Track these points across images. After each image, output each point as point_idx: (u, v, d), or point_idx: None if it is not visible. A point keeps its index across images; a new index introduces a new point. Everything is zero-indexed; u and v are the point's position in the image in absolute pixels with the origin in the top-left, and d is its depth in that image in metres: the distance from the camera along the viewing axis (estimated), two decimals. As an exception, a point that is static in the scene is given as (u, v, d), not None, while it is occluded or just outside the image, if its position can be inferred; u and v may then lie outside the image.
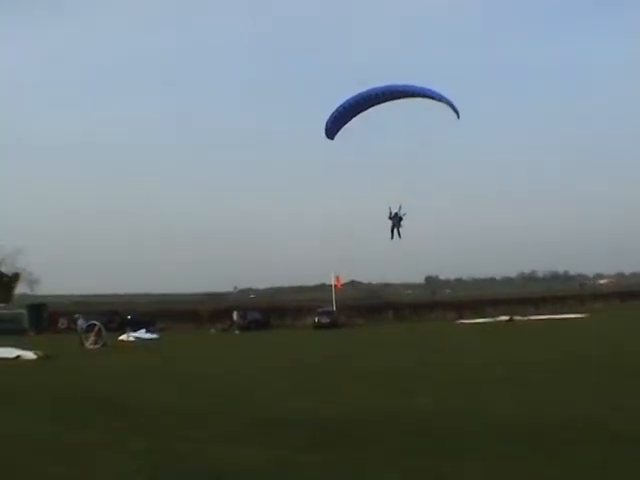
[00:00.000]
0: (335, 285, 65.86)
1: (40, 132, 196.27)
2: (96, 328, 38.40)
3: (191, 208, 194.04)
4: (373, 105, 18.84)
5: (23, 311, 63.47)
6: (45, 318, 65.65)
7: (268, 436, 11.46)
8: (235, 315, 58.08)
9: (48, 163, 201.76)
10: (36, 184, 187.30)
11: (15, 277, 75.93)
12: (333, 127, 19.21)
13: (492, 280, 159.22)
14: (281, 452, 10.07)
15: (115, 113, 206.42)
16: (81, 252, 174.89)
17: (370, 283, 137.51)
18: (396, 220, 20.69)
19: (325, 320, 58.57)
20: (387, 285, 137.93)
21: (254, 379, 21.04)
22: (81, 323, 40.15)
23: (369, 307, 71.26)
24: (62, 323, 63.32)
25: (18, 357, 30.37)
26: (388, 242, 19.89)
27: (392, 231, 20.84)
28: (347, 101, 19.01)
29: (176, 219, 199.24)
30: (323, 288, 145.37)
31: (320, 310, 61.15)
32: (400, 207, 22.15)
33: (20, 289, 77.99)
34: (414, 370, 21.76)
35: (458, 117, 18.95)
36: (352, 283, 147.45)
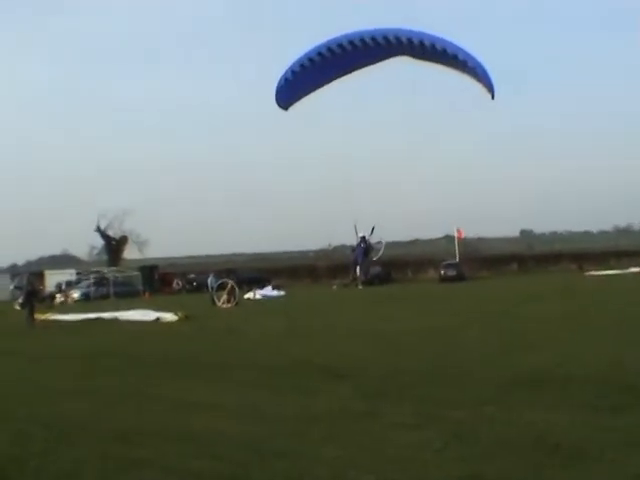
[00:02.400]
0: (457, 237, 61.64)
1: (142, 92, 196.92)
2: (229, 286, 35.47)
3: (286, 161, 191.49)
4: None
5: (137, 273, 61.91)
6: (157, 279, 64.01)
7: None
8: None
9: (152, 123, 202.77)
10: (149, 145, 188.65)
11: (123, 240, 74.45)
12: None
13: (587, 233, 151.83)
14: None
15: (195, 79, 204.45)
16: (185, 213, 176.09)
17: (465, 237, 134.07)
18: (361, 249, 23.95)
19: (451, 273, 55.27)
20: (481, 239, 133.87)
21: (459, 333, 17.83)
22: (211, 281, 37.46)
23: (492, 259, 66.45)
24: (176, 283, 61.55)
25: (158, 319, 27.49)
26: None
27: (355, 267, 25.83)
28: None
29: (270, 176, 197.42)
30: (418, 242, 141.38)
31: (445, 263, 57.88)
32: (372, 230, 23.48)
33: (128, 252, 76.47)
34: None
35: (493, 97, 14.17)
36: (446, 237, 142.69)
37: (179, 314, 27.84)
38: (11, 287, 40.62)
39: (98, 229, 74.20)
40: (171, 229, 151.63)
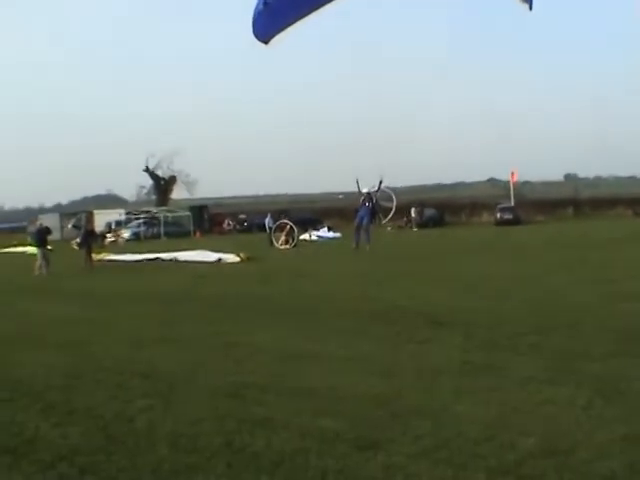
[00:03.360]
0: (512, 180, 59.76)
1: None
2: (287, 227, 34.42)
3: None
4: None
5: (188, 213, 61.33)
6: (206, 220, 63.43)
7: None
8: (413, 211, 53.15)
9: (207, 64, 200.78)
10: (191, 84, 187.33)
11: (172, 180, 73.80)
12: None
13: (633, 178, 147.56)
14: None
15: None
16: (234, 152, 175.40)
17: (508, 181, 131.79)
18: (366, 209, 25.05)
19: (507, 216, 53.73)
20: (526, 183, 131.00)
21: (546, 279, 16.37)
22: (269, 222, 36.38)
23: (546, 203, 64.25)
24: (227, 224, 60.89)
25: (219, 260, 26.62)
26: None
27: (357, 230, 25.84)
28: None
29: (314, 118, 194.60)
30: (461, 185, 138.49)
31: (500, 206, 56.18)
32: (380, 184, 26.14)
33: (177, 192, 75.88)
34: None
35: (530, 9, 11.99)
36: (491, 180, 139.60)
37: (241, 255, 26.97)
38: (69, 226, 40.25)
39: (147, 169, 73.64)
40: (218, 169, 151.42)
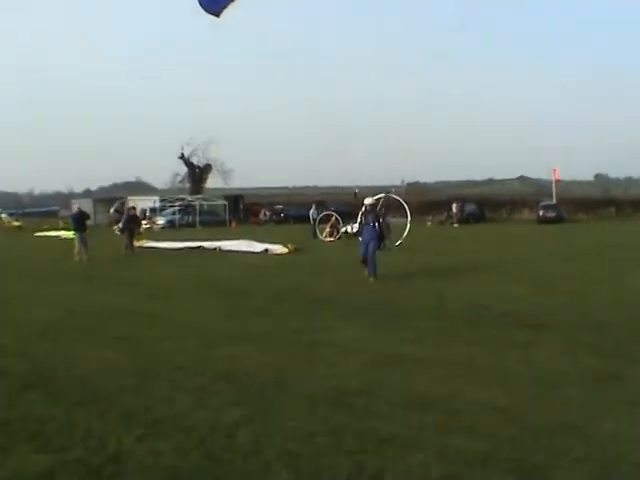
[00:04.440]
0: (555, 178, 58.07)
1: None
2: (332, 219, 33.25)
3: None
4: None
5: (224, 202, 60.41)
6: (242, 209, 62.52)
7: None
8: (454, 207, 51.76)
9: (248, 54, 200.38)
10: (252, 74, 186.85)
11: (207, 168, 72.93)
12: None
13: None
14: None
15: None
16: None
17: (539, 179, 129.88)
18: (372, 231, 16.82)
19: (551, 214, 52.11)
20: (556, 181, 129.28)
21: (618, 280, 15.06)
22: (313, 213, 35.25)
23: (588, 202, 62.39)
24: (264, 214, 59.92)
25: (266, 251, 25.57)
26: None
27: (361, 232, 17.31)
28: None
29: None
30: (491, 182, 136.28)
31: (543, 204, 54.78)
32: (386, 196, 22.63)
33: (211, 181, 75.05)
34: None
35: None
36: (521, 178, 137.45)
37: (289, 246, 25.87)
38: (111, 210, 39.58)
39: (182, 156, 72.73)
40: (251, 160, 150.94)
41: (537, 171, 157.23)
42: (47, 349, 9.05)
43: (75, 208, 26.76)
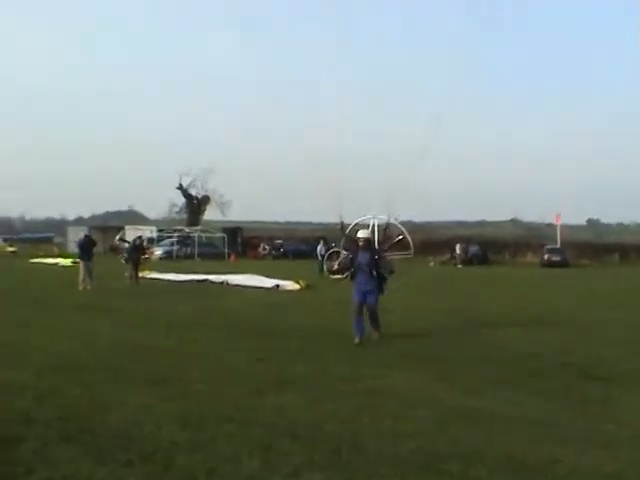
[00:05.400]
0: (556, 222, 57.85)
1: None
2: (341, 256, 32.20)
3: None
4: None
5: (223, 235, 59.55)
6: (239, 243, 61.67)
7: None
8: (458, 248, 51.13)
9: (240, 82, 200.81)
10: (226, 104, 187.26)
11: (205, 199, 72.19)
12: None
13: None
14: None
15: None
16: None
17: (531, 222, 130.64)
18: (368, 276, 12.54)
19: (556, 258, 51.60)
20: (549, 225, 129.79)
21: None
22: (320, 249, 34.36)
23: (591, 247, 62.06)
24: (263, 248, 59.04)
25: (277, 287, 24.64)
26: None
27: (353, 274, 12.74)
28: None
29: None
30: (483, 224, 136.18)
31: (548, 247, 54.49)
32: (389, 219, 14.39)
33: (210, 213, 74.25)
34: None
35: None
36: (513, 220, 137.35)
37: (300, 282, 24.91)
38: (116, 239, 38.71)
39: (180, 187, 72.01)
40: (251, 193, 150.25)
41: (529, 214, 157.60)
42: (74, 391, 8.01)
43: (81, 235, 25.68)
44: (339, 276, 23.73)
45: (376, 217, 14.40)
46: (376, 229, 14.20)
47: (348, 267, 12.66)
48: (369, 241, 12.65)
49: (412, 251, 15.99)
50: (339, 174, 13.52)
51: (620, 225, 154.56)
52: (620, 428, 6.95)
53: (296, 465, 5.49)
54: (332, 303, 19.44)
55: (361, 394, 8.21)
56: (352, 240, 13.15)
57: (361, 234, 12.68)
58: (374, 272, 12.23)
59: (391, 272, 12.61)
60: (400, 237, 14.16)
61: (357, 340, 11.93)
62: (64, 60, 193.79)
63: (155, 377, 8.87)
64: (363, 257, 12.30)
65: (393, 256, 13.88)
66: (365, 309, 12.37)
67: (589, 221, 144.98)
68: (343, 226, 13.71)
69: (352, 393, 8.27)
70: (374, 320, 12.46)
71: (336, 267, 30.81)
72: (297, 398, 7.95)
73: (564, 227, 79.56)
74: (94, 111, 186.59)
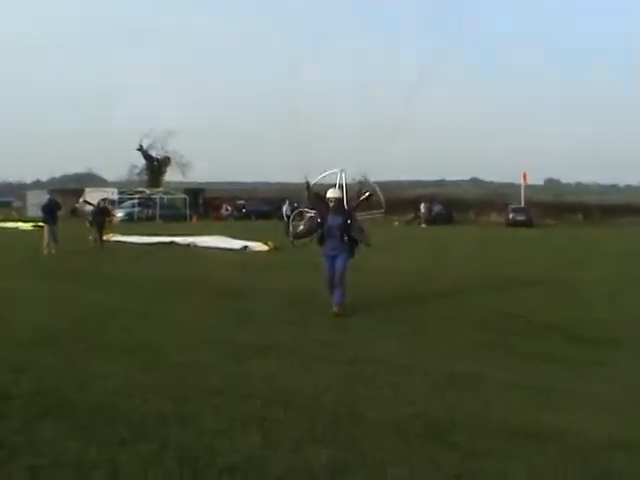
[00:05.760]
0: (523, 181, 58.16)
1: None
2: (307, 216, 31.83)
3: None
4: None
5: (184, 196, 58.64)
6: (201, 204, 60.83)
7: None
8: (423, 207, 51.05)
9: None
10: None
11: (165, 161, 70.84)
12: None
13: (614, 187, 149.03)
14: None
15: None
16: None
17: (491, 182, 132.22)
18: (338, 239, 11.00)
19: (521, 217, 51.96)
20: (508, 185, 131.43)
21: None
22: (286, 209, 33.93)
23: (554, 207, 62.55)
24: (225, 209, 58.33)
25: (246, 248, 24.26)
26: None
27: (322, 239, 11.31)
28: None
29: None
30: (443, 183, 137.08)
31: (513, 207, 54.57)
32: (364, 177, 12.56)
33: (171, 174, 72.95)
34: None
35: None
36: (473, 180, 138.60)
37: (269, 244, 24.56)
38: (80, 200, 37.74)
39: (140, 148, 70.49)
40: (209, 154, 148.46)
41: (489, 174, 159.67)
42: (49, 362, 7.63)
43: (46, 198, 24.80)
44: (305, 239, 21.00)
45: (344, 171, 12.21)
46: (344, 185, 12.10)
47: (315, 229, 11.43)
48: (340, 201, 11.19)
49: (383, 210, 14.23)
50: (306, 127, 12.39)
51: (579, 185, 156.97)
52: (623, 392, 6.83)
53: (297, 438, 5.24)
54: (303, 265, 19.12)
55: (350, 361, 7.97)
56: (319, 198, 11.73)
57: (331, 193, 11.09)
58: (346, 237, 10.82)
59: (367, 242, 11.19)
60: (368, 194, 12.09)
61: (334, 308, 10.92)
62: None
63: (132, 345, 8.52)
64: (334, 220, 10.87)
65: (363, 216, 12.47)
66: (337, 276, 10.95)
67: (549, 180, 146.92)
68: (309, 184, 11.92)
69: (340, 360, 8.03)
70: (340, 289, 10.84)
71: (302, 228, 30.05)
72: (282, 365, 7.68)
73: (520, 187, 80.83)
74: (48, 68, 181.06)
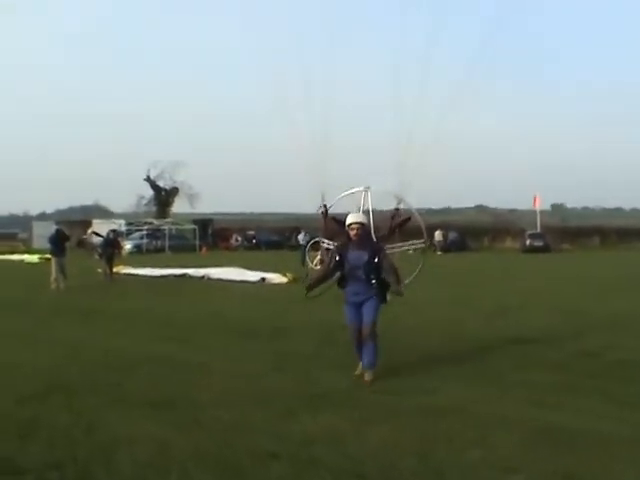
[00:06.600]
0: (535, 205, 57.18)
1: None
2: (324, 246, 30.64)
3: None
4: None
5: (193, 227, 57.68)
6: (210, 234, 59.88)
7: None
8: (437, 234, 50.03)
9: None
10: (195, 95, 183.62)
11: (173, 191, 70.07)
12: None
13: (619, 210, 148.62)
14: None
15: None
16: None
17: (496, 208, 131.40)
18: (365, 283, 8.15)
19: (538, 243, 51.08)
20: (512, 211, 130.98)
21: None
22: (302, 238, 32.77)
23: (570, 231, 61.58)
24: (235, 239, 57.35)
25: (264, 280, 23.06)
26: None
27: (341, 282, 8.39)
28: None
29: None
30: (448, 211, 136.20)
31: (530, 232, 53.84)
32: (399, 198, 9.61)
33: (179, 205, 72.16)
34: None
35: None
36: (479, 207, 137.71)
37: (287, 275, 23.36)
38: (88, 232, 36.94)
39: (148, 178, 69.78)
40: (218, 185, 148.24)
41: (494, 201, 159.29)
42: (63, 421, 6.44)
43: (52, 228, 23.69)
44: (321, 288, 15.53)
45: (369, 190, 9.47)
46: (370, 208, 9.36)
47: (332, 271, 8.36)
48: (366, 230, 8.41)
49: (424, 240, 10.65)
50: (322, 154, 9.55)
51: (586, 209, 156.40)
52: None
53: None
54: (331, 299, 17.89)
55: (418, 413, 6.73)
56: (339, 224, 9.04)
57: (354, 218, 8.20)
58: (372, 279, 8.04)
59: (398, 292, 8.11)
60: (404, 217, 9.62)
61: (360, 369, 8.42)
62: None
63: (160, 398, 7.29)
64: (357, 257, 8.05)
65: (396, 248, 9.70)
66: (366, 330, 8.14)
67: (553, 206, 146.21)
68: (326, 209, 9.68)
69: (406, 411, 6.80)
70: (371, 346, 8.14)
71: (319, 257, 27.88)
72: (342, 420, 6.47)
73: (531, 213, 79.90)
74: (57, 99, 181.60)
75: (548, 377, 8.48)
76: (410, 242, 10.36)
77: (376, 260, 8.01)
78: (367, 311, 8.07)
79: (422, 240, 10.55)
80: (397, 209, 9.56)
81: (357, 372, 8.39)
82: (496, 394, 7.58)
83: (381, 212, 9.87)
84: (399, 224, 9.57)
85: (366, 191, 9.46)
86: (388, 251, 8.73)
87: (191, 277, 25.62)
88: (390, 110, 10.09)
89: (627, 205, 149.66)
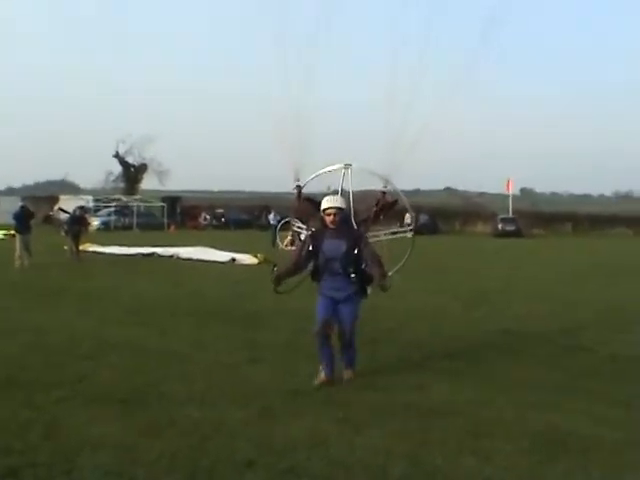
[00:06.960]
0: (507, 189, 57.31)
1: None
2: (295, 228, 30.15)
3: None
4: None
5: (162, 204, 56.69)
6: (178, 213, 58.99)
7: None
8: (408, 217, 49.30)
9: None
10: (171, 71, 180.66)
11: (142, 168, 68.77)
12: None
13: (588, 197, 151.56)
14: None
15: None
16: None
17: (465, 191, 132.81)
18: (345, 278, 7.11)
19: (510, 228, 51.16)
20: (482, 194, 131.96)
21: None
22: (272, 219, 32.22)
23: (543, 217, 61.84)
24: (204, 218, 56.50)
25: (234, 261, 22.57)
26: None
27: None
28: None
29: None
30: (418, 193, 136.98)
31: (502, 217, 53.83)
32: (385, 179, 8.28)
33: (147, 181, 70.93)
34: None
35: None
36: (447, 190, 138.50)
37: (258, 256, 22.89)
38: (55, 208, 35.90)
39: (117, 154, 68.34)
40: (188, 162, 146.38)
41: (463, 183, 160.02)
42: (20, 420, 5.85)
43: (18, 205, 22.78)
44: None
45: (349, 167, 8.30)
46: (350, 190, 8.27)
47: (304, 263, 7.34)
48: (344, 215, 7.31)
49: (412, 226, 9.56)
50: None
51: (554, 194, 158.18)
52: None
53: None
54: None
55: (406, 413, 6.29)
56: (314, 206, 7.80)
57: (330, 202, 7.14)
58: (352, 272, 7.08)
59: (383, 287, 7.00)
60: (389, 200, 8.40)
61: (322, 378, 7.23)
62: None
63: (129, 393, 6.75)
64: (334, 247, 7.04)
65: (380, 235, 8.72)
66: (336, 329, 7.26)
67: (523, 190, 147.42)
68: (300, 188, 8.35)
69: (394, 411, 6.35)
70: (347, 346, 7.30)
71: (290, 237, 26.37)
72: (327, 423, 5.99)
73: (501, 196, 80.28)
74: (24, 73, 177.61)
75: (535, 373, 8.16)
76: (394, 229, 9.36)
77: (356, 251, 7.03)
78: (347, 311, 7.16)
79: (410, 226, 9.67)
80: (384, 192, 8.29)
81: (317, 382, 7.18)
82: (492, 393, 7.16)
83: (362, 193, 8.80)
84: (383, 208, 8.29)
85: (346, 169, 8.30)
86: (371, 239, 7.85)
87: (160, 256, 24.99)
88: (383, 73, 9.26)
89: (595, 191, 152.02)
